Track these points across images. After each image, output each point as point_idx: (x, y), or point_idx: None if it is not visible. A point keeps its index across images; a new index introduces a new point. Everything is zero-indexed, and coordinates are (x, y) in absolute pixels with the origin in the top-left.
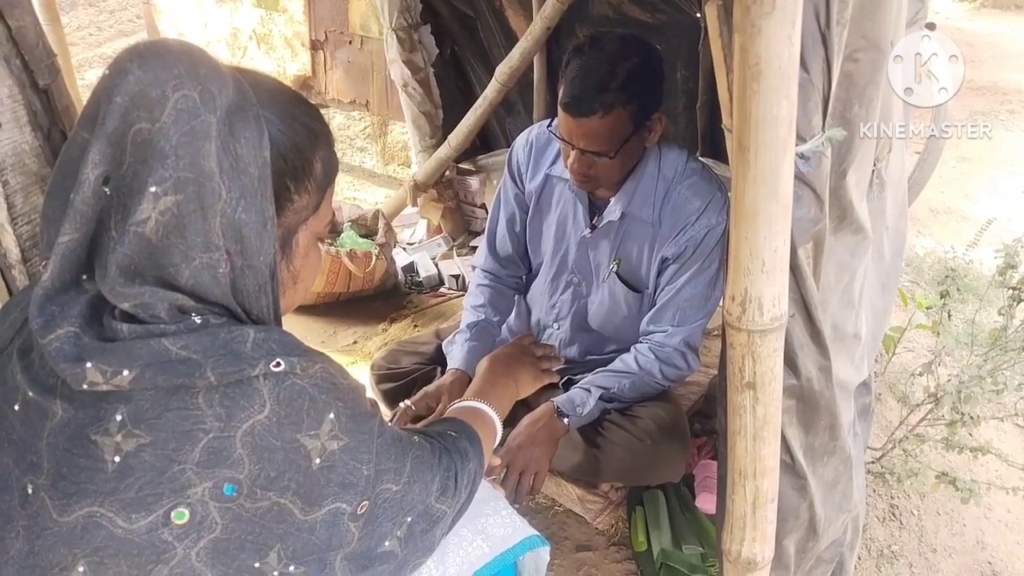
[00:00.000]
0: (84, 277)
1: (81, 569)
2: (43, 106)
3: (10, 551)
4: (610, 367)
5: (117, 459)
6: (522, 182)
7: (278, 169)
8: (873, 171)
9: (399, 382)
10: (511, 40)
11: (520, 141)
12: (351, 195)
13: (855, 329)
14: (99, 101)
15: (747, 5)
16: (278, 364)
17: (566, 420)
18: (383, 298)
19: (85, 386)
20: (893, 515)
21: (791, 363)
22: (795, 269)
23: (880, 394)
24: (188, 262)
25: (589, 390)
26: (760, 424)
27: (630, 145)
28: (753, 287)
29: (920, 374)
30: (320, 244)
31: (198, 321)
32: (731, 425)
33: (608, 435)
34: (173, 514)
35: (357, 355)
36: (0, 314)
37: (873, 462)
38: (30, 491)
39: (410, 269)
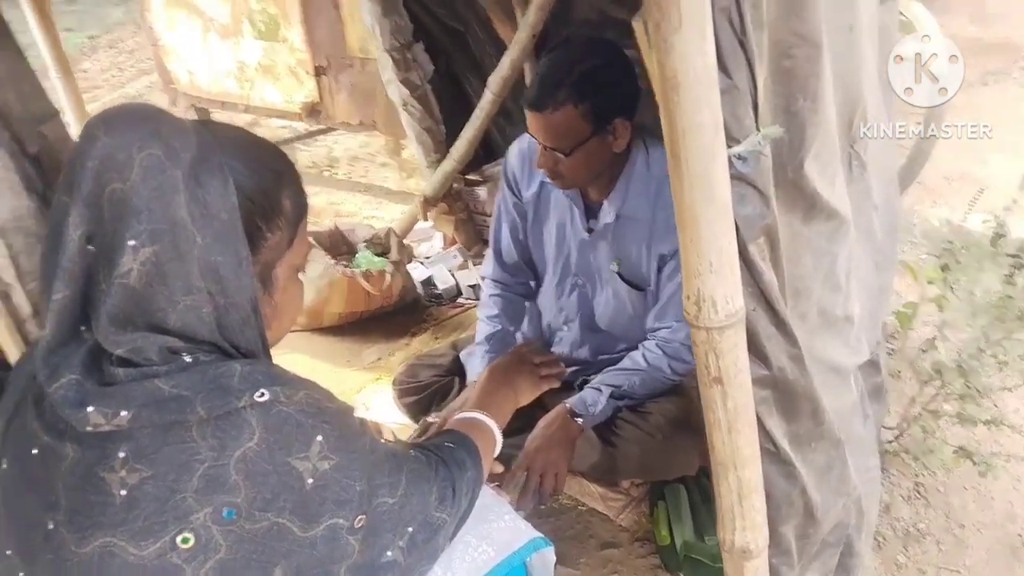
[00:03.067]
0: (83, 328)
1: None
2: (35, 171)
3: None
4: (620, 365)
5: (123, 492)
6: (519, 191)
7: (247, 211)
8: (851, 153)
9: (420, 395)
10: (501, 49)
11: (513, 151)
12: (370, 214)
13: (845, 312)
14: (74, 167)
15: (657, 22)
16: (262, 394)
17: (579, 420)
18: (405, 313)
19: (89, 428)
20: (918, 493)
21: (761, 355)
22: (749, 264)
23: (899, 371)
24: (173, 306)
25: (600, 389)
26: (732, 416)
27: (590, 147)
28: (705, 287)
29: (924, 350)
30: (300, 275)
31: (188, 360)
32: (707, 419)
33: (621, 433)
34: (179, 539)
35: (381, 371)
36: (16, 367)
37: (892, 441)
38: (51, 527)
39: (428, 282)
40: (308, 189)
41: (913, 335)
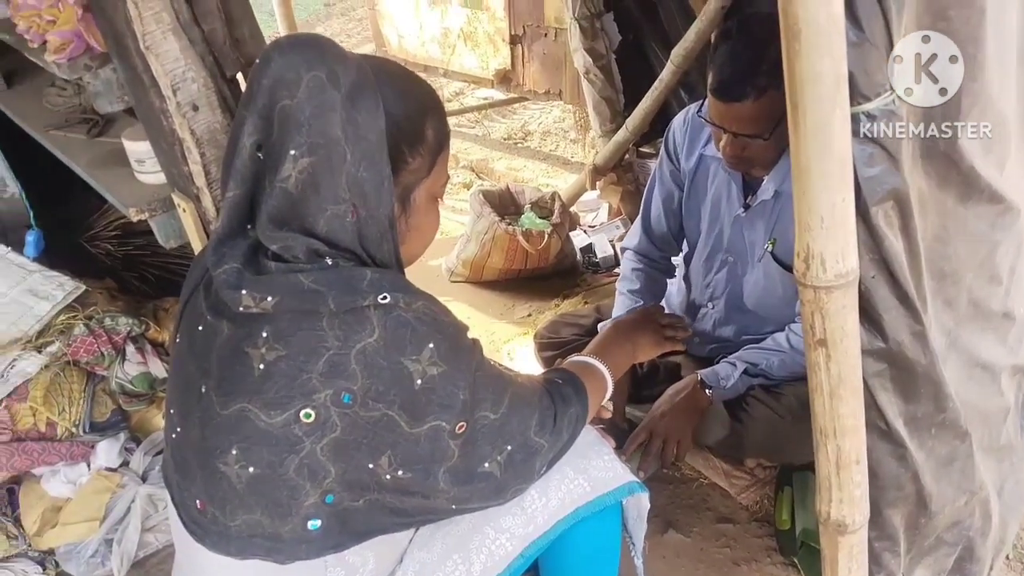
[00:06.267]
0: (249, 226)
1: (234, 452)
2: (231, 93)
3: (191, 436)
4: (761, 344)
5: (261, 367)
6: (678, 161)
7: (392, 136)
8: None
9: (558, 351)
10: (690, 22)
11: (677, 121)
12: (545, 181)
13: (1004, 308)
14: (252, 84)
15: None
16: (384, 297)
17: (709, 392)
18: (560, 276)
19: (241, 308)
20: None
21: (876, 325)
22: (871, 229)
23: None
24: (322, 212)
25: (735, 364)
26: (835, 382)
27: (784, 125)
28: (815, 243)
29: None
30: (439, 203)
31: (329, 263)
32: (809, 383)
33: (750, 410)
34: (302, 414)
35: (529, 327)
36: (195, 260)
37: None
38: (203, 391)
39: (588, 250)
40: (494, 155)
41: None
